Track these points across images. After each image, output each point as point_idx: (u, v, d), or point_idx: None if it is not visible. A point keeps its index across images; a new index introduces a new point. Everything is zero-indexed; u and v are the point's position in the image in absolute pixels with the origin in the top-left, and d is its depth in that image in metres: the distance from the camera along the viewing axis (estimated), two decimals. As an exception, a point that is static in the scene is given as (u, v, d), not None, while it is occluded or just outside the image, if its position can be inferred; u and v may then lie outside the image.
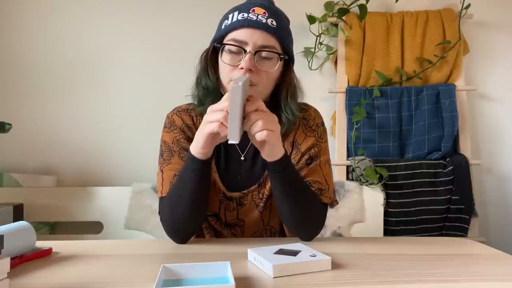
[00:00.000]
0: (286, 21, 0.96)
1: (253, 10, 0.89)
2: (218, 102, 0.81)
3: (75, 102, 2.00)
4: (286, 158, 0.87)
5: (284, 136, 0.99)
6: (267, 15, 0.89)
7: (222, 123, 0.77)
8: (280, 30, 0.90)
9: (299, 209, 0.90)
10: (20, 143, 1.98)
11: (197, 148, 0.85)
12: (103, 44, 2.01)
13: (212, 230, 1.05)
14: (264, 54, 0.89)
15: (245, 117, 0.79)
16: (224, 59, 0.91)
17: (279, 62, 0.91)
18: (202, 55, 0.97)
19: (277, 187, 0.89)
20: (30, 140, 1.98)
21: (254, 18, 0.88)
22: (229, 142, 0.76)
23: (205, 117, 0.82)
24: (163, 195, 0.95)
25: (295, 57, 0.98)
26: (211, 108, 0.81)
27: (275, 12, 0.92)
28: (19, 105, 1.99)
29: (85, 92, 2.01)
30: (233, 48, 0.89)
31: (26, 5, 1.99)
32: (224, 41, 0.91)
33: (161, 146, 1.01)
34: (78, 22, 2.01)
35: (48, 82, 2.00)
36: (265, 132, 0.78)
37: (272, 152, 0.84)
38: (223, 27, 0.93)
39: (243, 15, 0.89)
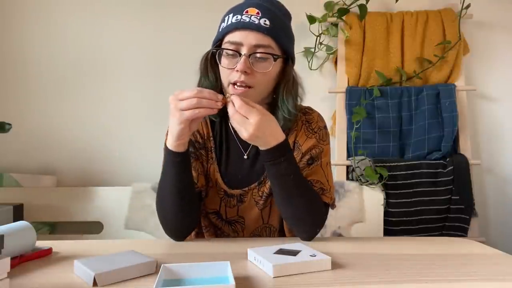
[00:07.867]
0: (283, 18, 0.95)
1: (247, 12, 0.89)
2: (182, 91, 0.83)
3: (75, 102, 2.00)
4: (281, 147, 0.85)
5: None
6: (260, 15, 0.88)
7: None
8: (275, 29, 0.89)
9: (299, 206, 0.90)
10: (20, 143, 1.98)
11: (173, 142, 0.85)
12: (103, 44, 2.01)
13: (213, 227, 1.05)
14: (258, 54, 0.89)
15: None
16: (222, 63, 0.92)
17: (274, 62, 0.90)
18: (203, 58, 0.98)
19: (274, 180, 0.88)
20: (30, 140, 1.98)
21: (247, 20, 0.88)
22: None
23: (172, 106, 0.83)
24: None
25: (295, 57, 0.98)
26: (175, 97, 0.83)
27: (270, 11, 0.91)
28: (19, 105, 1.99)
29: (85, 92, 2.01)
30: (229, 51, 0.90)
31: (27, 5, 1.99)
32: (222, 44, 0.92)
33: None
34: (78, 22, 2.01)
35: (49, 82, 2.00)
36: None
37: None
38: (220, 29, 0.94)
39: (236, 17, 0.89)
